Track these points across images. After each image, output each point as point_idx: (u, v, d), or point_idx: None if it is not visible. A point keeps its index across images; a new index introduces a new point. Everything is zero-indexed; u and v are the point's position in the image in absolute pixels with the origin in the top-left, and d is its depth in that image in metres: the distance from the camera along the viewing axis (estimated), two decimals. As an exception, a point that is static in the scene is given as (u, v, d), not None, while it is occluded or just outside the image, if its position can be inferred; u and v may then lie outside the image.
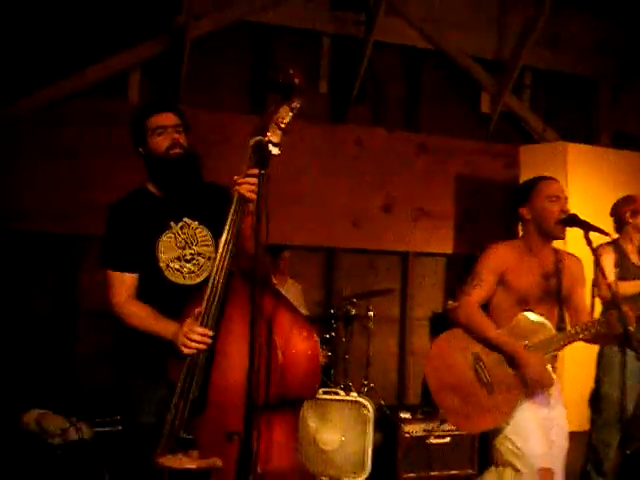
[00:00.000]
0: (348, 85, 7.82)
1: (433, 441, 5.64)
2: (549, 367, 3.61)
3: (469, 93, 8.45)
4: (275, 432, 2.96)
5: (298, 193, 7.36)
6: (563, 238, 3.66)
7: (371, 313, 6.87)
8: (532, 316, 3.62)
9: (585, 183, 7.33)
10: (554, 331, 3.61)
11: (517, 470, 3.57)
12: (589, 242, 3.35)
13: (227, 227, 2.99)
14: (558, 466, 3.71)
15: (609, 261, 4.80)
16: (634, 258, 4.91)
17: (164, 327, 3.10)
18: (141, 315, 3.21)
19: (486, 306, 3.70)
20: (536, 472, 3.54)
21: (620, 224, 5.04)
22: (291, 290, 6.91)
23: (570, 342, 3.59)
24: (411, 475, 5.57)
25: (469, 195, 8.08)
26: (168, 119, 3.32)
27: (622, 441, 4.75)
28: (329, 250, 7.75)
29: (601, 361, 4.92)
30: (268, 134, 2.85)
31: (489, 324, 3.61)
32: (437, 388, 3.71)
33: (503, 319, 3.64)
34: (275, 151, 2.81)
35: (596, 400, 4.94)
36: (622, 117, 9.12)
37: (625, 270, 4.81)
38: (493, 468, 3.78)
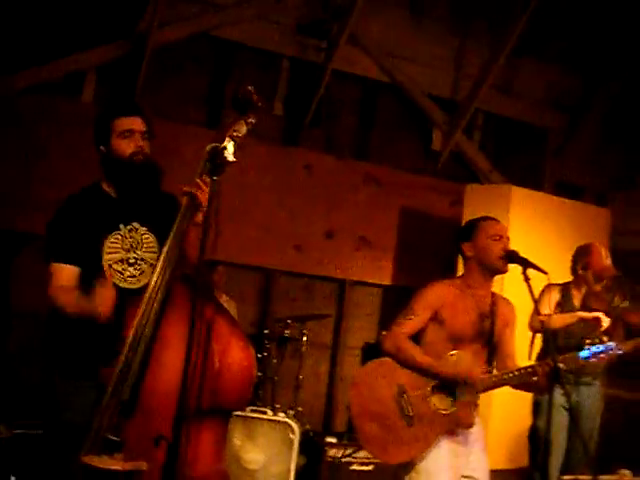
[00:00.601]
0: (303, 109, 7.88)
1: (357, 468, 5.64)
2: (471, 410, 3.65)
3: (421, 129, 8.58)
4: (204, 440, 2.94)
5: (242, 211, 7.34)
6: (506, 272, 3.72)
7: (305, 337, 6.87)
8: (464, 355, 3.66)
9: (527, 226, 7.48)
10: (482, 374, 3.66)
11: None
12: (527, 279, 3.42)
13: (172, 233, 2.99)
14: None
15: (550, 298, 4.87)
16: (577, 304, 5.01)
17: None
18: (75, 301, 3.16)
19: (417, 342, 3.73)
20: None
21: (573, 270, 5.16)
22: (225, 307, 6.85)
23: (496, 387, 3.64)
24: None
25: (412, 229, 8.17)
26: (136, 124, 3.31)
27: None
28: (267, 271, 7.74)
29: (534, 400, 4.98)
30: (224, 143, 2.86)
31: (418, 351, 3.65)
32: (358, 414, 3.73)
33: (434, 356, 3.67)
34: (230, 158, 2.82)
35: (532, 437, 4.99)
36: (566, 167, 9.36)
37: (566, 312, 4.91)
38: None
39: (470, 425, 3.67)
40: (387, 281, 8.11)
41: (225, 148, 2.87)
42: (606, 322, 4.74)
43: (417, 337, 3.73)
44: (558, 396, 4.75)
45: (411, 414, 3.63)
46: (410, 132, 8.57)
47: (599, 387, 5.10)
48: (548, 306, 4.87)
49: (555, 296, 4.95)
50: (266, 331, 6.76)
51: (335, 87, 7.94)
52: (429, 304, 3.68)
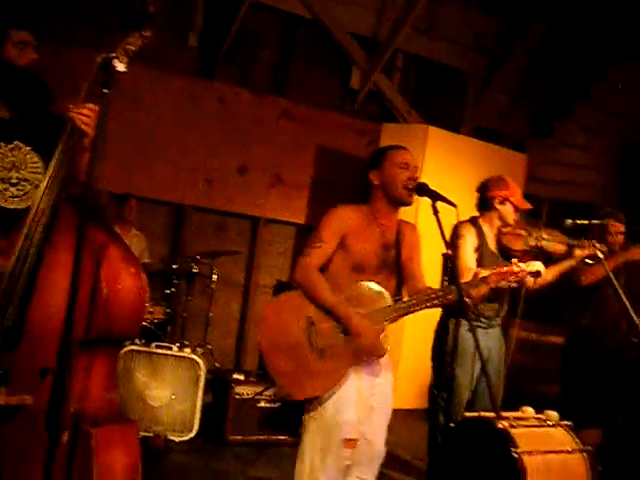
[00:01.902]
0: (219, 42, 7.64)
1: (264, 405, 5.58)
2: (382, 337, 3.58)
3: (341, 67, 8.44)
4: (93, 371, 2.81)
5: (153, 143, 7.15)
6: (411, 204, 3.63)
7: (215, 274, 6.76)
8: (371, 285, 3.57)
9: (442, 167, 7.49)
10: (391, 301, 3.59)
11: (324, 439, 3.55)
12: (436, 212, 3.34)
13: (56, 155, 2.82)
14: (378, 435, 3.72)
15: (470, 242, 4.71)
16: (491, 245, 4.85)
17: None
18: None
19: (324, 269, 3.63)
20: (341, 441, 3.52)
21: (485, 205, 4.85)
22: (135, 241, 6.71)
23: (406, 314, 3.57)
24: (238, 437, 5.49)
25: (328, 167, 8.08)
26: (29, 38, 3.17)
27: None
28: (179, 206, 7.56)
29: (455, 344, 4.86)
30: (115, 54, 2.70)
31: (325, 288, 3.53)
32: (268, 348, 3.60)
33: (339, 284, 3.57)
34: (121, 68, 2.65)
35: (445, 382, 4.90)
36: (485, 111, 9.38)
37: (482, 257, 4.78)
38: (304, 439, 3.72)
39: (381, 354, 3.60)
40: (301, 220, 8.03)
41: (116, 58, 2.69)
42: (542, 269, 4.67)
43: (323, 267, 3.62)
44: (467, 338, 4.79)
45: (321, 346, 3.54)
46: (329, 70, 8.42)
47: (500, 329, 5.08)
48: (471, 254, 4.71)
49: (473, 239, 4.76)
50: (174, 266, 6.60)
51: (253, 20, 7.71)
52: (336, 230, 3.55)
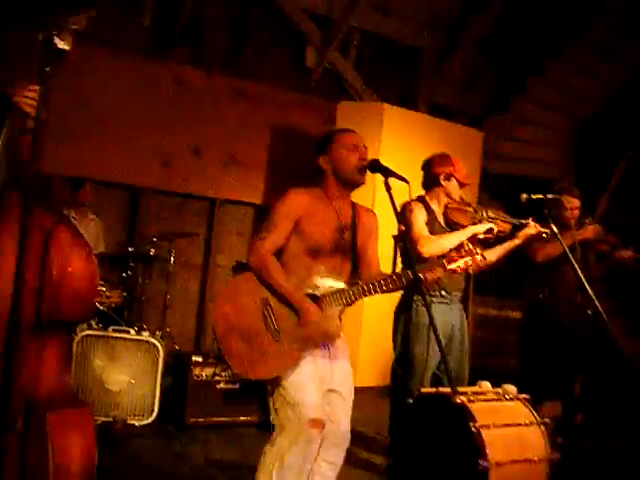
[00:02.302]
0: (172, 21, 7.53)
1: (223, 386, 5.55)
2: (337, 320, 3.57)
3: (295, 45, 8.38)
4: (45, 355, 2.78)
5: (107, 126, 7.04)
6: (364, 183, 3.61)
7: (172, 256, 6.70)
8: (325, 269, 3.56)
9: (399, 144, 7.49)
10: (345, 286, 3.57)
11: (289, 421, 3.54)
12: (388, 188, 3.32)
13: (1, 138, 2.76)
14: (343, 416, 3.71)
15: (421, 216, 4.73)
16: (441, 220, 4.89)
17: None
18: None
19: (279, 253, 3.60)
20: (305, 422, 3.51)
21: (430, 182, 4.91)
22: (91, 225, 6.63)
23: (360, 298, 3.55)
24: (198, 419, 5.46)
25: (284, 146, 8.03)
26: None
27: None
28: (135, 189, 7.47)
29: (410, 319, 4.89)
30: (59, 32, 2.63)
31: (279, 272, 3.51)
32: (224, 331, 3.56)
33: (294, 268, 3.54)
34: (62, 45, 2.59)
35: (406, 359, 4.92)
36: (441, 88, 9.39)
37: (433, 232, 4.80)
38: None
39: (336, 337, 3.59)
40: (258, 200, 7.98)
41: (58, 35, 2.63)
42: (496, 228, 4.70)
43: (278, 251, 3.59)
44: (424, 314, 4.79)
45: (277, 328, 3.51)
46: (283, 48, 8.37)
47: (461, 305, 5.12)
48: (423, 224, 4.76)
49: (423, 214, 4.82)
50: (130, 249, 6.52)
51: (205, -1, 7.64)
52: (289, 214, 3.53)
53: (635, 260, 5.78)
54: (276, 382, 3.59)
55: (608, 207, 5.72)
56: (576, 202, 5.74)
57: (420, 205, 4.79)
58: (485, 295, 7.32)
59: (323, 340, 3.59)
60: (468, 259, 3.48)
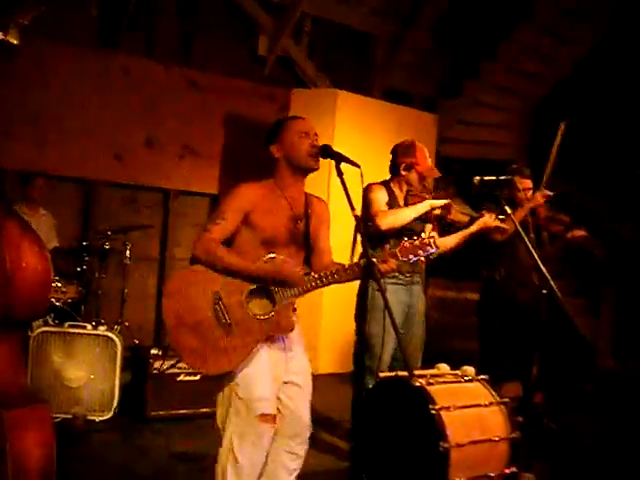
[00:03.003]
0: (121, 11, 7.44)
1: (183, 379, 5.51)
2: (290, 312, 3.56)
3: (247, 34, 8.33)
4: (-2, 355, 2.73)
5: (57, 119, 6.94)
6: (317, 169, 3.60)
7: (128, 249, 6.64)
8: (282, 258, 3.54)
9: (353, 130, 7.51)
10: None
11: (239, 416, 3.53)
12: (340, 173, 3.31)
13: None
14: (303, 407, 3.70)
15: (382, 195, 4.76)
16: (401, 203, 4.90)
17: None
18: None
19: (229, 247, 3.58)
20: (256, 417, 3.50)
21: (393, 170, 4.93)
22: (42, 220, 6.51)
23: (314, 288, 3.54)
24: (159, 412, 5.42)
25: (238, 136, 7.99)
26: None
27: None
28: (88, 182, 7.37)
29: (366, 302, 4.92)
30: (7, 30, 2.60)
31: (228, 253, 3.46)
32: (174, 326, 3.50)
33: (247, 260, 3.52)
34: (11, 40, 2.55)
35: (364, 340, 4.96)
36: (395, 74, 9.41)
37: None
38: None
39: (290, 329, 3.57)
40: (214, 190, 7.93)
41: (6, 32, 2.59)
42: (455, 207, 4.73)
43: (229, 245, 3.56)
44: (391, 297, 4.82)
45: (229, 322, 3.47)
46: (235, 37, 8.32)
47: (421, 286, 5.16)
48: (383, 202, 4.78)
49: (384, 195, 4.84)
50: (85, 243, 6.44)
51: (154, -13, 7.55)
52: (239, 206, 3.49)
53: (587, 239, 5.84)
54: (229, 377, 3.56)
55: (550, 180, 5.77)
56: (527, 183, 5.80)
57: (382, 188, 4.83)
58: (443, 278, 7.37)
59: (279, 332, 3.56)
60: (421, 251, 3.48)
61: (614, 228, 8.85)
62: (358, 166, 3.31)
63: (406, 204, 4.89)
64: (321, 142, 3.60)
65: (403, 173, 4.83)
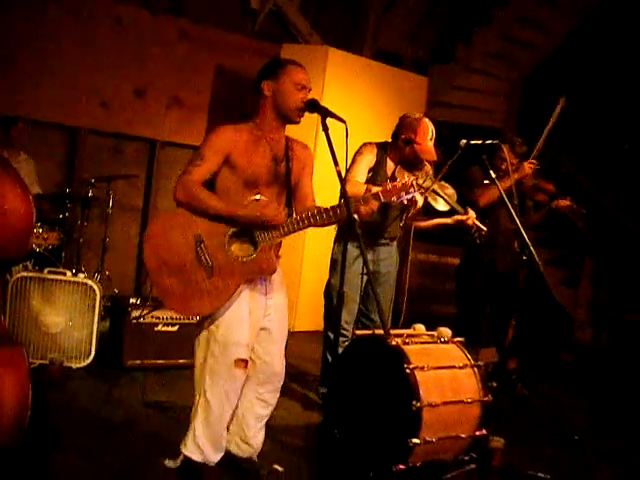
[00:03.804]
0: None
1: (161, 329, 5.52)
2: (272, 255, 3.56)
3: (240, -14, 8.22)
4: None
5: (45, 64, 6.85)
6: (298, 122, 3.59)
7: (111, 198, 6.61)
8: (258, 197, 3.53)
9: (342, 88, 7.45)
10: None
11: (214, 359, 3.56)
12: (325, 128, 3.30)
13: None
14: (276, 355, 3.74)
15: (366, 160, 4.77)
16: (388, 171, 4.89)
17: None
18: None
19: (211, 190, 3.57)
20: (232, 362, 3.53)
21: (394, 137, 4.91)
22: (23, 165, 6.43)
23: (294, 231, 3.54)
24: (136, 362, 5.42)
25: (227, 89, 7.92)
26: None
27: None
28: (74, 129, 7.29)
29: (333, 259, 5.01)
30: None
31: (212, 197, 3.46)
32: (155, 268, 3.52)
33: (229, 202, 3.51)
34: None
35: (327, 291, 5.05)
36: (387, 35, 9.32)
37: (374, 179, 4.81)
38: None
39: (272, 271, 3.57)
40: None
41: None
42: (419, 205, 4.76)
43: (211, 186, 3.54)
44: (355, 254, 4.86)
45: (210, 264, 3.48)
46: (229, -11, 8.19)
47: (395, 248, 5.16)
48: (362, 170, 4.78)
49: (371, 159, 4.80)
50: (68, 190, 6.40)
51: None
52: (218, 148, 3.47)
53: (571, 209, 5.85)
54: (208, 320, 3.58)
55: (542, 151, 5.77)
56: (512, 157, 5.75)
57: (374, 150, 4.84)
58: (425, 242, 7.37)
59: (261, 274, 3.57)
60: (403, 192, 3.47)
61: (599, 201, 8.88)
62: (344, 122, 3.30)
63: (392, 173, 4.88)
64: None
65: (401, 145, 4.82)
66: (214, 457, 3.66)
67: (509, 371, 6.04)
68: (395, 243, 5.12)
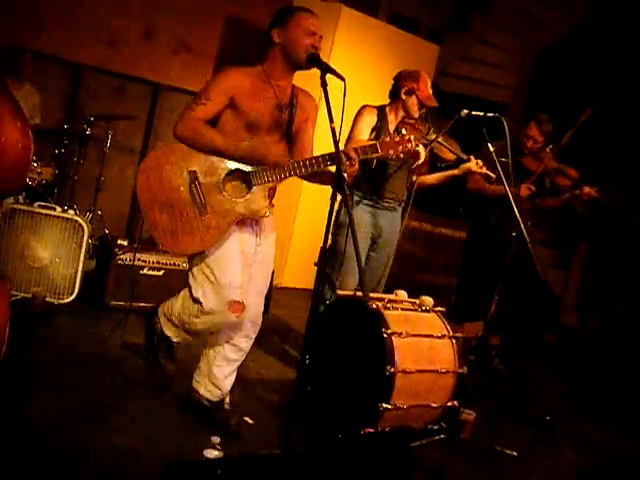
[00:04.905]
0: None
1: (147, 272, 5.51)
2: (264, 198, 3.53)
3: None
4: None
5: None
6: (308, 69, 3.52)
7: (109, 138, 6.57)
8: (266, 141, 3.51)
9: (352, 48, 7.38)
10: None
11: (206, 297, 3.56)
12: (324, 84, 3.25)
13: None
14: (253, 301, 3.73)
15: (367, 122, 4.76)
16: (391, 129, 4.88)
17: None
18: None
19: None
20: (225, 304, 3.53)
21: (394, 93, 4.91)
22: (27, 96, 6.41)
23: (290, 175, 3.51)
24: (119, 303, 5.40)
25: (236, 38, 7.83)
26: None
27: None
28: (78, 65, 7.20)
29: (337, 218, 4.91)
30: None
31: (214, 133, 3.44)
32: (147, 202, 3.49)
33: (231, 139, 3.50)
34: None
35: (332, 254, 4.97)
36: (403, 0, 9.21)
37: (378, 137, 4.77)
38: (182, 294, 3.74)
39: (264, 214, 3.56)
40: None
41: None
42: (422, 158, 4.73)
43: (212, 126, 3.52)
44: (364, 216, 4.86)
45: (203, 202, 3.46)
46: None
47: (399, 215, 5.14)
48: (365, 130, 4.78)
49: (372, 119, 4.80)
50: (66, 126, 6.35)
51: None
52: (224, 89, 3.46)
53: (595, 198, 5.81)
54: (200, 258, 3.58)
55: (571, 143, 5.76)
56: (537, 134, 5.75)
57: (373, 112, 4.84)
58: (420, 210, 7.34)
59: (253, 215, 3.55)
60: (400, 147, 3.46)
61: (601, 188, 8.83)
62: (343, 79, 3.26)
63: (396, 130, 4.87)
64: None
65: (403, 97, 4.83)
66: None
67: (490, 346, 6.06)
68: (400, 209, 5.11)
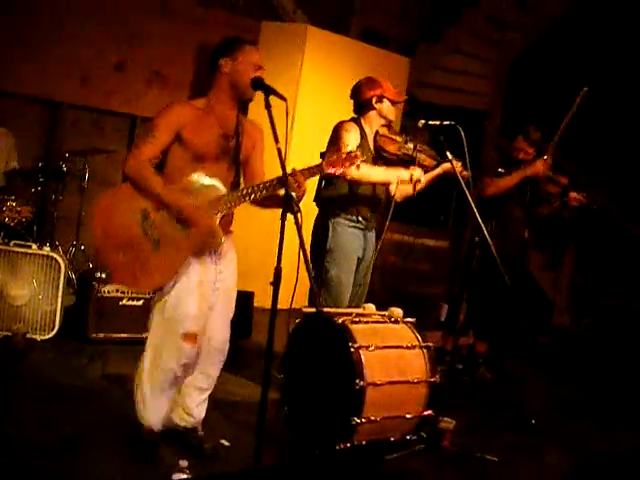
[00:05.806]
0: None
1: (126, 303, 5.55)
2: (218, 227, 3.57)
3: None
4: None
5: (23, 35, 6.81)
6: (252, 100, 3.65)
7: (87, 172, 6.62)
8: (204, 176, 3.55)
9: (322, 68, 7.40)
10: (225, 191, 3.58)
11: (162, 328, 3.61)
12: (268, 105, 3.30)
13: None
14: (219, 327, 3.78)
15: (354, 136, 4.68)
16: (370, 145, 4.87)
17: None
18: None
19: (161, 166, 3.60)
20: (180, 335, 3.57)
21: (362, 107, 4.86)
22: (2, 140, 6.42)
23: (240, 202, 3.56)
24: (100, 335, 5.45)
25: (209, 65, 7.86)
26: None
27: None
28: (53, 103, 7.26)
29: (325, 241, 4.85)
30: None
31: (157, 180, 3.50)
32: (103, 245, 3.55)
33: (178, 176, 3.55)
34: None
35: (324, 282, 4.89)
36: (374, 14, 9.28)
37: (363, 154, 4.77)
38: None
39: (217, 244, 3.60)
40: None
41: None
42: (421, 180, 4.75)
43: (161, 160, 3.58)
44: (355, 243, 4.86)
45: (156, 238, 3.51)
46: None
47: (375, 233, 5.14)
48: (353, 145, 4.74)
49: (357, 135, 4.70)
50: (40, 164, 6.39)
51: None
52: (169, 125, 3.52)
53: (584, 205, 5.87)
54: (159, 295, 3.64)
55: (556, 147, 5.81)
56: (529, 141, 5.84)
57: (356, 127, 4.79)
58: (401, 222, 7.36)
59: (207, 247, 3.59)
60: (347, 162, 3.53)
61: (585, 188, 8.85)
62: (284, 99, 3.33)
63: (375, 144, 4.85)
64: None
65: (376, 106, 4.80)
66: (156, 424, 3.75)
67: (477, 354, 6.06)
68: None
